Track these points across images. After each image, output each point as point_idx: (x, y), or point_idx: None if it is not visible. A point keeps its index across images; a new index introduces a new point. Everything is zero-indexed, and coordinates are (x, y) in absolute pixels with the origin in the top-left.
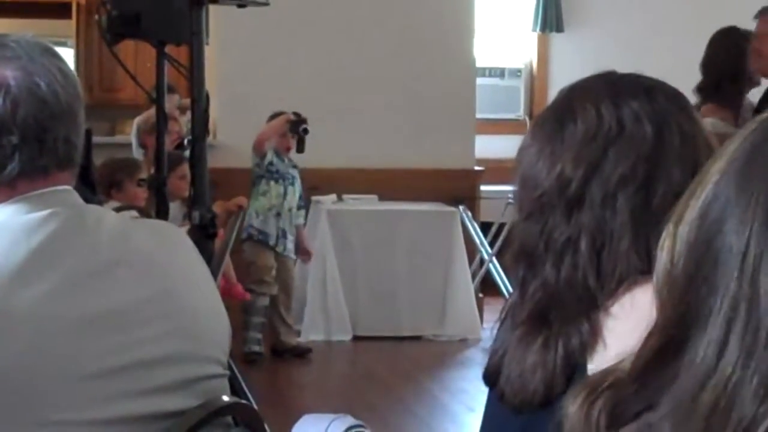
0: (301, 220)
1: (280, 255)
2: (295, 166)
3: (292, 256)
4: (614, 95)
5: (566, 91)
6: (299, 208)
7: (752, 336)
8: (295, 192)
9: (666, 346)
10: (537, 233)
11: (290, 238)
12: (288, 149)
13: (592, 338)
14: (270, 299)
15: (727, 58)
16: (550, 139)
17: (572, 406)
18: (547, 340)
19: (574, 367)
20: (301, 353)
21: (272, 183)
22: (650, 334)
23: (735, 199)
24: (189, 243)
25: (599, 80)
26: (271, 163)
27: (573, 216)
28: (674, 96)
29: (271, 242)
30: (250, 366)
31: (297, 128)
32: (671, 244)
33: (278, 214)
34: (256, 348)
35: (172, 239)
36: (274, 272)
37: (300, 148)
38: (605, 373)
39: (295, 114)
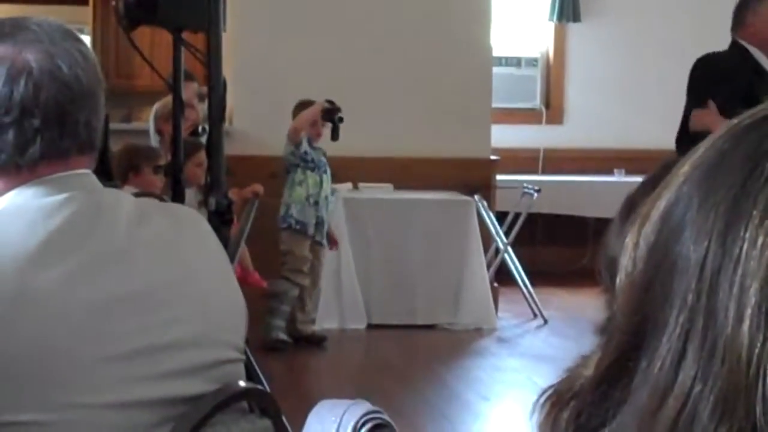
0: (332, 208)
1: (314, 244)
2: (324, 154)
3: (325, 244)
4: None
5: None
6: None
7: (709, 351)
8: (329, 180)
9: (624, 353)
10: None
11: (326, 226)
12: (319, 137)
13: None
14: None
15: None
16: None
17: (540, 416)
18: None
19: None
20: (317, 341)
21: (308, 172)
22: (610, 339)
23: (696, 206)
24: (207, 227)
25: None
26: (305, 152)
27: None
28: None
29: (310, 231)
30: (273, 354)
31: (332, 116)
32: (634, 245)
33: (316, 203)
34: (283, 336)
35: (190, 224)
36: (309, 264)
37: (335, 137)
38: (571, 379)
39: (329, 102)
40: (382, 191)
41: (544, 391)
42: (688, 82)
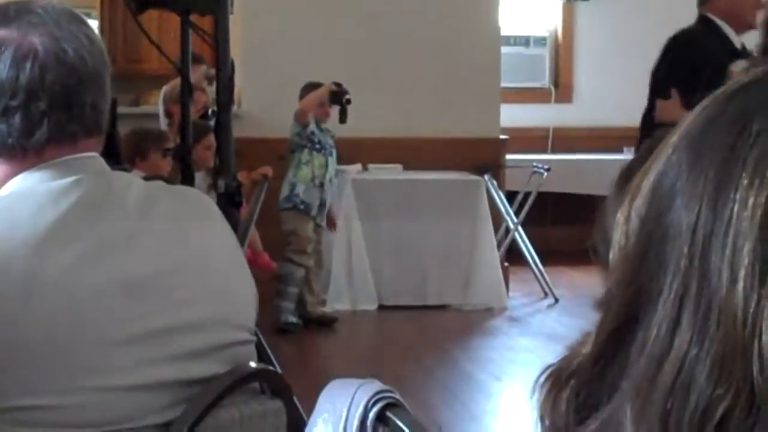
0: (335, 190)
1: (317, 226)
2: (333, 136)
3: (324, 225)
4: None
5: None
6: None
7: (704, 315)
8: (334, 162)
9: (621, 325)
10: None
11: (327, 209)
12: (327, 117)
13: None
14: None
15: None
16: None
17: (540, 395)
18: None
19: None
20: (328, 322)
21: (314, 153)
22: (605, 314)
23: (686, 174)
24: (216, 210)
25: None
26: (312, 133)
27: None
28: None
29: (313, 213)
30: (284, 335)
31: (340, 98)
32: (626, 219)
33: (321, 185)
34: (293, 318)
35: (200, 206)
36: (313, 244)
37: (343, 119)
38: (570, 357)
39: (336, 84)
40: (391, 172)
41: (543, 371)
42: (660, 60)
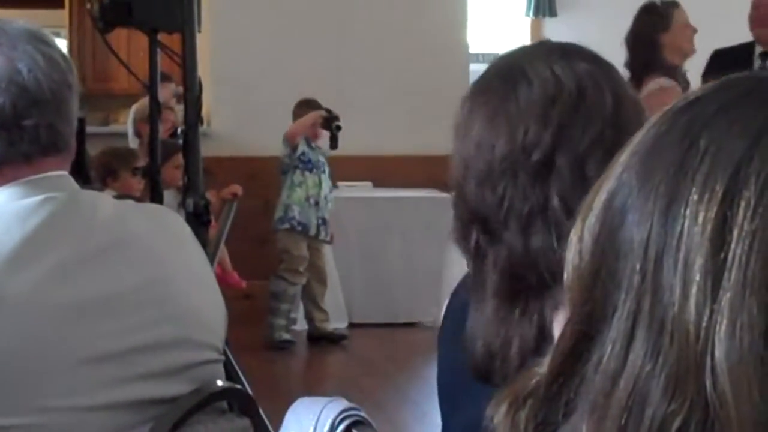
0: (332, 207)
1: (315, 242)
2: (324, 155)
3: (329, 240)
4: (565, 58)
5: (506, 56)
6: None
7: (657, 330)
8: (328, 180)
9: (577, 344)
10: (495, 200)
11: (327, 224)
12: (316, 138)
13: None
14: (304, 286)
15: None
16: (502, 101)
17: (498, 415)
18: (524, 312)
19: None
20: (336, 339)
21: (307, 173)
22: (562, 334)
23: (637, 191)
24: (186, 228)
25: (539, 46)
26: (303, 153)
27: (540, 182)
28: (607, 62)
29: (311, 232)
30: (252, 353)
31: (330, 125)
32: (579, 238)
33: (316, 203)
34: (287, 336)
35: (168, 224)
36: (306, 263)
37: (333, 145)
38: (527, 376)
39: (327, 111)
40: (361, 189)
41: (501, 392)
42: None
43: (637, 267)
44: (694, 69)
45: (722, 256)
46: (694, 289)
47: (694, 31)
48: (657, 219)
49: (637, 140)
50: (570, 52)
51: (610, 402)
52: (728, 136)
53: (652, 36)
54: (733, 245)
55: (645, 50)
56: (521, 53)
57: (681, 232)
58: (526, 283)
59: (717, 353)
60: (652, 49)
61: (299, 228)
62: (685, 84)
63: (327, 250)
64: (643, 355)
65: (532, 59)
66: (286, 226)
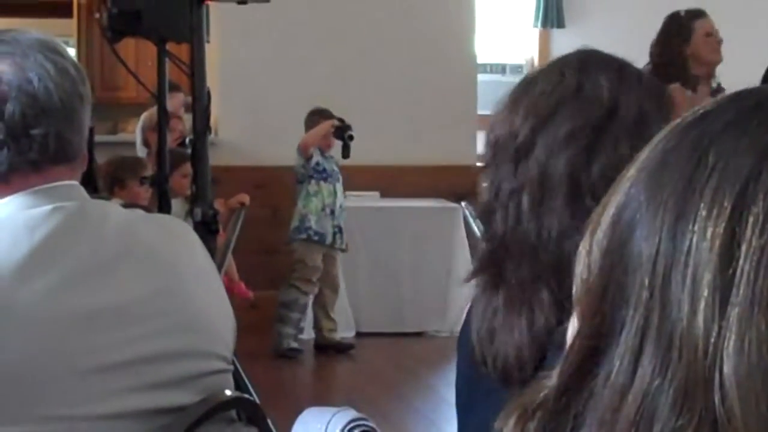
0: (346, 216)
1: (330, 251)
2: (337, 164)
3: (344, 247)
4: (582, 64)
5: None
6: None
7: (666, 346)
8: (342, 189)
9: (586, 358)
10: (490, 182)
11: (343, 232)
12: (329, 147)
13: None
14: (315, 295)
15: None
16: (516, 96)
17: (507, 428)
18: (509, 301)
19: (544, 341)
20: (344, 349)
21: (322, 183)
22: (571, 346)
23: (645, 206)
24: (195, 238)
25: (575, 54)
26: (318, 163)
27: (519, 167)
28: (650, 82)
29: (328, 241)
30: (259, 362)
31: (342, 134)
32: (587, 252)
33: (332, 212)
34: (294, 344)
35: (178, 234)
36: (319, 274)
37: (345, 154)
38: (535, 389)
39: (340, 120)
40: (368, 199)
41: (510, 403)
42: None
43: (646, 282)
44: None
45: (730, 271)
46: (702, 305)
47: (719, 41)
48: (665, 234)
49: (645, 155)
50: (591, 61)
51: (618, 417)
52: (736, 152)
53: (674, 47)
54: (741, 261)
55: (667, 61)
56: (554, 59)
57: (689, 248)
58: (508, 267)
59: (725, 369)
60: (675, 60)
61: (316, 238)
62: (717, 93)
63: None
64: (651, 370)
65: (554, 63)
66: (303, 236)
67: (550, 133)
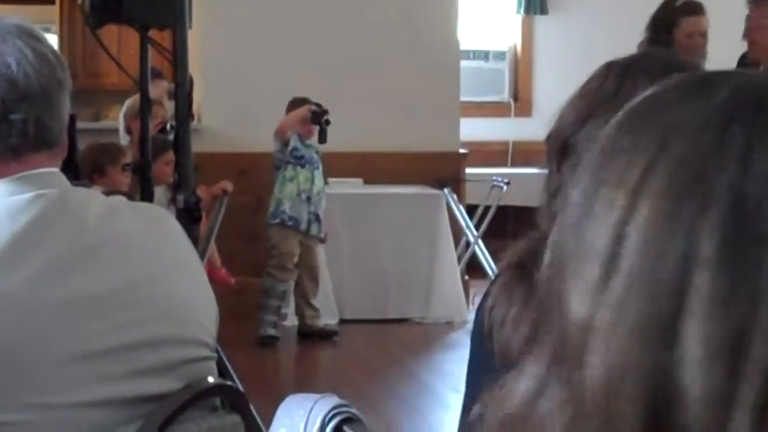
0: (325, 204)
1: (306, 239)
2: (317, 152)
3: (323, 237)
4: (625, 67)
5: None
6: None
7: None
8: (321, 176)
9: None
10: (544, 181)
11: (321, 221)
12: (309, 134)
13: None
14: (296, 283)
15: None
16: (574, 92)
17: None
18: (528, 296)
19: None
20: (327, 335)
21: (299, 168)
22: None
23: (572, 201)
24: (177, 226)
25: (630, 56)
26: (295, 149)
27: (561, 165)
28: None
29: (302, 227)
30: (244, 349)
31: (319, 119)
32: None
33: (308, 199)
34: (272, 332)
35: (160, 222)
36: (296, 259)
37: (322, 139)
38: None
39: (317, 105)
40: (351, 186)
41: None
42: None
43: (546, 276)
44: None
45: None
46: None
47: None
48: (570, 231)
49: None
50: (642, 65)
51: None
52: (636, 148)
53: (660, 35)
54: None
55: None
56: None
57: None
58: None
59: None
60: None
61: (290, 223)
62: None
63: (320, 249)
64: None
65: (610, 63)
66: (278, 221)
67: (587, 132)
